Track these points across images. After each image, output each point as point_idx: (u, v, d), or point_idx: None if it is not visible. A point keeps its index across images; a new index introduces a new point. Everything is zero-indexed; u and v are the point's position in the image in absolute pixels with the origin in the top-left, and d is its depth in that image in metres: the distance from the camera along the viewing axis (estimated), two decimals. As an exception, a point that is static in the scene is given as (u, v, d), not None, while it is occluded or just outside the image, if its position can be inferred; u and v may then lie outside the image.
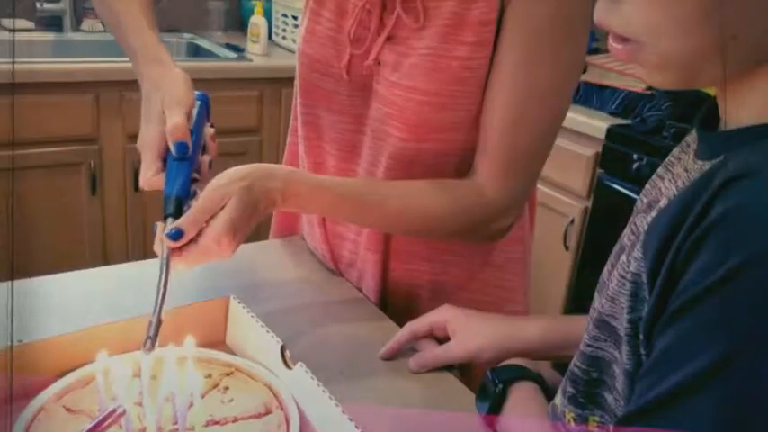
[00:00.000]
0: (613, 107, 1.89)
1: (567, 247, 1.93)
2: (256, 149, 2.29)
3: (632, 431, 0.45)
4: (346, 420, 0.55)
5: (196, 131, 0.71)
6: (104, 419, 0.54)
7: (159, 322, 0.60)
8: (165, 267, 0.62)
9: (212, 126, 0.76)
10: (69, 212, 2.06)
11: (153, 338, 0.59)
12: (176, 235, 0.62)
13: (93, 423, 0.54)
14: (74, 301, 0.81)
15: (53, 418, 0.58)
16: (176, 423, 0.58)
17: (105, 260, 2.11)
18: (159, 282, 0.62)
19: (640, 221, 0.52)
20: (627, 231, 0.54)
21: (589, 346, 0.54)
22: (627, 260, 0.49)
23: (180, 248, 0.63)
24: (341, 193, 0.75)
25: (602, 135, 1.82)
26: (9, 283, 0.70)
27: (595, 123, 1.84)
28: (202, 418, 0.60)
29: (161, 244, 0.63)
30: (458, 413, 0.65)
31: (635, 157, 1.73)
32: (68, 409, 0.60)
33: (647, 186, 0.57)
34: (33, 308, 0.78)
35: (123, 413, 0.55)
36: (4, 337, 0.64)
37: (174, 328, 0.62)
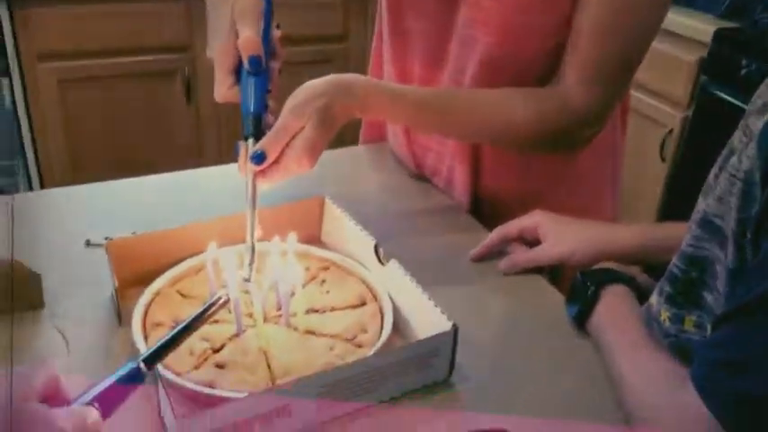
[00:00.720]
0: (722, 9, 1.76)
1: (663, 158, 1.85)
2: (342, 57, 2.28)
3: (729, 330, 0.44)
4: (438, 312, 0.57)
5: (266, 39, 0.68)
6: (213, 304, 0.59)
7: (254, 247, 0.63)
8: (251, 189, 0.65)
9: (278, 26, 0.72)
10: (165, 120, 2.14)
11: (251, 265, 0.62)
12: (259, 158, 0.64)
13: (203, 308, 0.58)
14: (169, 199, 0.86)
15: (168, 301, 0.64)
16: (280, 310, 0.62)
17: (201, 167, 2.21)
18: (248, 204, 0.64)
19: (753, 122, 0.49)
20: (738, 133, 0.52)
21: (691, 246, 0.53)
22: (738, 160, 0.47)
23: (263, 170, 0.65)
24: (422, 102, 0.75)
25: (707, 39, 1.70)
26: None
27: (701, 26, 1.72)
28: (303, 307, 0.64)
29: (245, 164, 0.65)
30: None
31: (744, 62, 1.61)
32: (182, 294, 0.65)
33: (762, 88, 0.53)
34: (127, 206, 0.83)
35: (228, 301, 0.59)
36: (123, 228, 0.69)
37: (272, 225, 0.65)
